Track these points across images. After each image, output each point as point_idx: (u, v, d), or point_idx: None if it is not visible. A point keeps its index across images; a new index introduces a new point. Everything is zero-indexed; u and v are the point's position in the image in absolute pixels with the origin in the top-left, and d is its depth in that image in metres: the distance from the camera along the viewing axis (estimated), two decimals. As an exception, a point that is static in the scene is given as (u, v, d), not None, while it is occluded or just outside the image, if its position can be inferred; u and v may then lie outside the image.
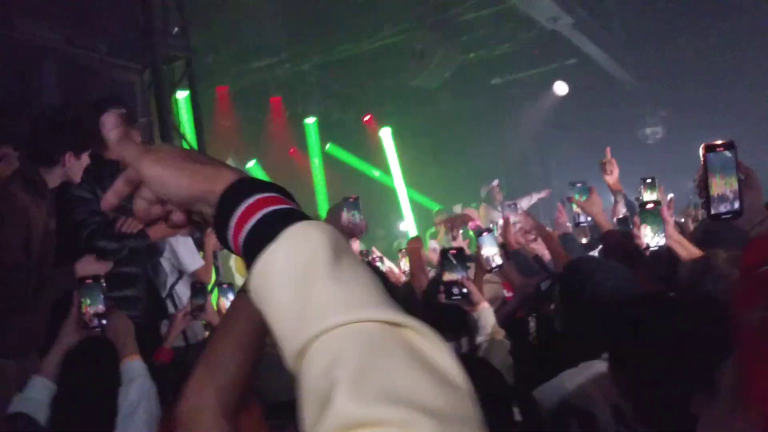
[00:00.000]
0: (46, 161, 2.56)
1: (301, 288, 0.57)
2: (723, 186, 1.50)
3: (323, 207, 10.27)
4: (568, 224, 3.55)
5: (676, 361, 1.21)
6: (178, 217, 0.70)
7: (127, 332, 2.04)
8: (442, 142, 11.02)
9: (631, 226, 2.26)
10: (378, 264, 4.66)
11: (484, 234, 2.95)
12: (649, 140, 10.54)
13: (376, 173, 11.00)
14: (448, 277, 2.55)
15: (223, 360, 0.85)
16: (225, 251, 5.04)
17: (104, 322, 2.00)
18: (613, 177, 2.92)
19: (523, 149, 11.14)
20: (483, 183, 8.31)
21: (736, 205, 1.50)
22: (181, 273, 3.48)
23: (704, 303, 1.47)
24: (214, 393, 0.83)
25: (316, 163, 10.45)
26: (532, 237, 3.81)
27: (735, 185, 1.50)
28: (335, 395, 0.50)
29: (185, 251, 3.45)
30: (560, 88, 9.96)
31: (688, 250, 2.01)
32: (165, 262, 3.36)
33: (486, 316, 2.46)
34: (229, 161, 10.23)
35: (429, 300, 2.89)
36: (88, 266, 2.55)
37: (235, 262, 6.29)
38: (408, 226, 10.30)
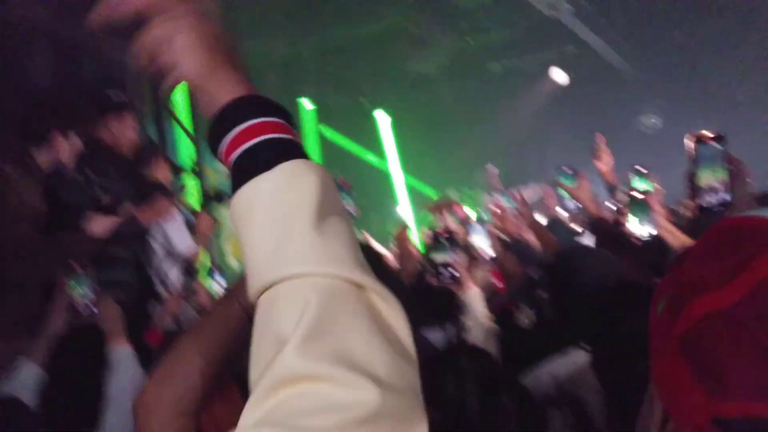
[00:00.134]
0: (35, 140, 2.54)
1: (282, 228, 0.57)
2: (712, 178, 1.49)
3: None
4: (558, 209, 3.54)
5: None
6: None
7: (116, 318, 2.04)
8: (438, 127, 10.99)
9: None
10: None
11: (474, 225, 2.94)
12: (648, 130, 10.52)
13: (371, 157, 10.97)
14: (439, 259, 2.55)
15: (183, 365, 0.83)
16: (218, 236, 5.04)
17: (93, 308, 2.00)
18: (604, 163, 2.88)
19: (520, 135, 11.11)
20: (478, 168, 8.30)
21: (726, 197, 1.50)
22: (173, 257, 3.47)
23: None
24: (172, 394, 0.82)
25: (312, 146, 10.41)
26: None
27: (725, 177, 1.50)
28: (286, 346, 0.50)
29: (177, 235, 3.44)
30: (559, 75, 9.92)
31: (678, 239, 2.02)
32: (157, 246, 3.35)
33: (476, 299, 2.46)
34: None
35: (418, 282, 2.90)
36: (98, 223, 2.54)
37: (230, 246, 6.27)
38: (404, 210, 10.29)
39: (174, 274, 3.38)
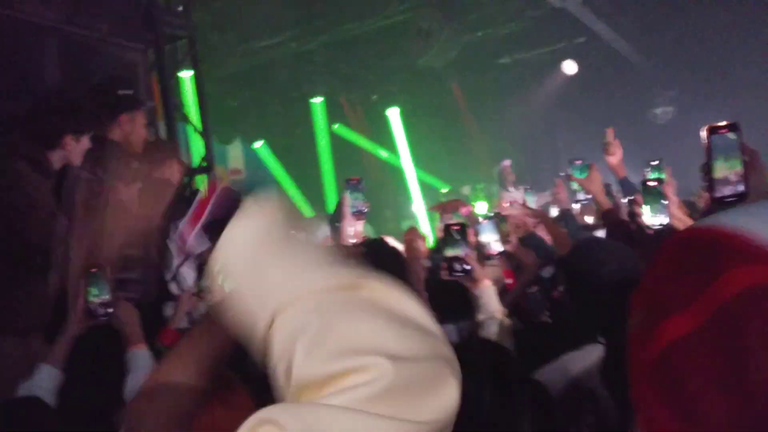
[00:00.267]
0: (47, 144, 2.56)
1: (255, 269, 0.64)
2: (727, 169, 1.47)
3: (330, 188, 10.26)
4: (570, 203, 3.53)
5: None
6: None
7: (133, 321, 2.05)
8: (449, 122, 10.93)
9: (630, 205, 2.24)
10: None
11: (483, 221, 2.92)
12: (660, 120, 10.40)
13: (383, 153, 10.94)
14: (450, 253, 2.54)
15: (169, 385, 0.83)
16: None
17: (110, 310, 2.01)
18: (616, 158, 2.85)
19: (531, 129, 11.04)
20: (490, 163, 8.26)
21: (741, 188, 1.47)
22: (187, 254, 3.48)
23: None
24: (161, 405, 0.82)
25: (323, 143, 10.41)
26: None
27: (739, 168, 1.47)
28: (293, 364, 0.54)
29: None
30: (569, 67, 9.83)
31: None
32: (170, 244, 3.36)
33: (488, 293, 2.44)
34: (236, 143, 10.23)
35: (430, 277, 2.88)
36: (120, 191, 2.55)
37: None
38: (417, 207, 10.26)
39: (188, 272, 3.40)
